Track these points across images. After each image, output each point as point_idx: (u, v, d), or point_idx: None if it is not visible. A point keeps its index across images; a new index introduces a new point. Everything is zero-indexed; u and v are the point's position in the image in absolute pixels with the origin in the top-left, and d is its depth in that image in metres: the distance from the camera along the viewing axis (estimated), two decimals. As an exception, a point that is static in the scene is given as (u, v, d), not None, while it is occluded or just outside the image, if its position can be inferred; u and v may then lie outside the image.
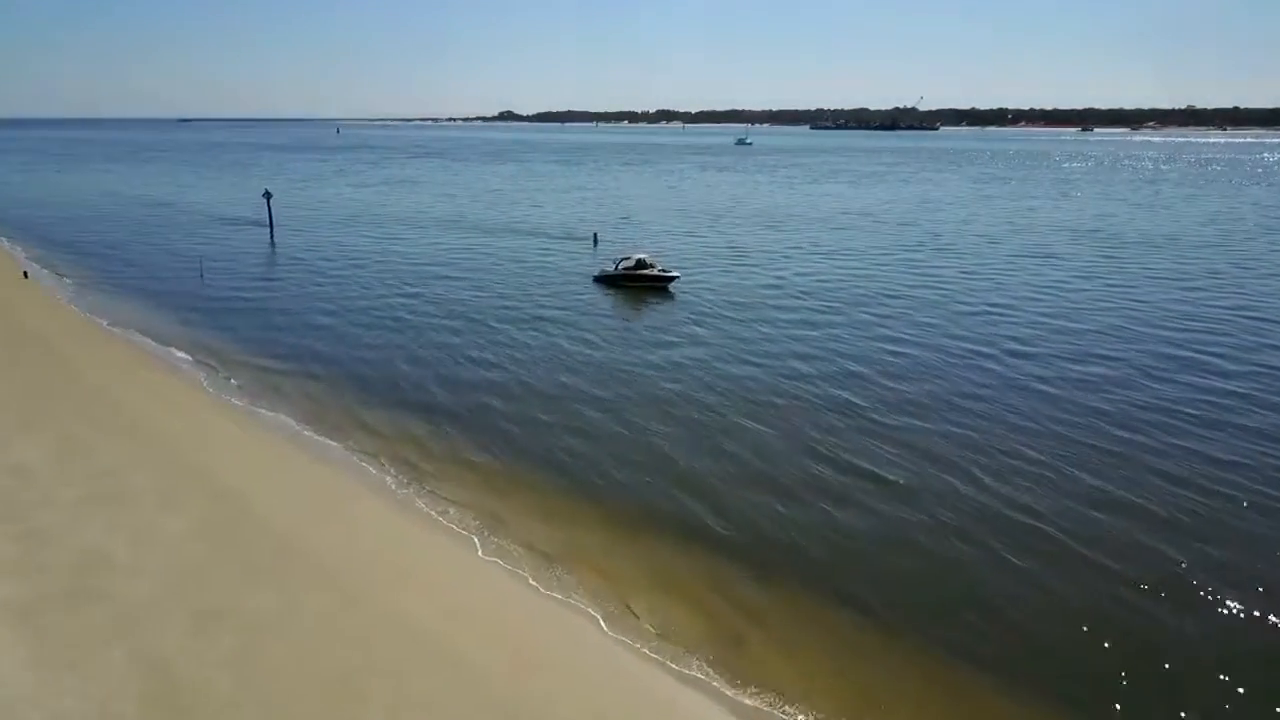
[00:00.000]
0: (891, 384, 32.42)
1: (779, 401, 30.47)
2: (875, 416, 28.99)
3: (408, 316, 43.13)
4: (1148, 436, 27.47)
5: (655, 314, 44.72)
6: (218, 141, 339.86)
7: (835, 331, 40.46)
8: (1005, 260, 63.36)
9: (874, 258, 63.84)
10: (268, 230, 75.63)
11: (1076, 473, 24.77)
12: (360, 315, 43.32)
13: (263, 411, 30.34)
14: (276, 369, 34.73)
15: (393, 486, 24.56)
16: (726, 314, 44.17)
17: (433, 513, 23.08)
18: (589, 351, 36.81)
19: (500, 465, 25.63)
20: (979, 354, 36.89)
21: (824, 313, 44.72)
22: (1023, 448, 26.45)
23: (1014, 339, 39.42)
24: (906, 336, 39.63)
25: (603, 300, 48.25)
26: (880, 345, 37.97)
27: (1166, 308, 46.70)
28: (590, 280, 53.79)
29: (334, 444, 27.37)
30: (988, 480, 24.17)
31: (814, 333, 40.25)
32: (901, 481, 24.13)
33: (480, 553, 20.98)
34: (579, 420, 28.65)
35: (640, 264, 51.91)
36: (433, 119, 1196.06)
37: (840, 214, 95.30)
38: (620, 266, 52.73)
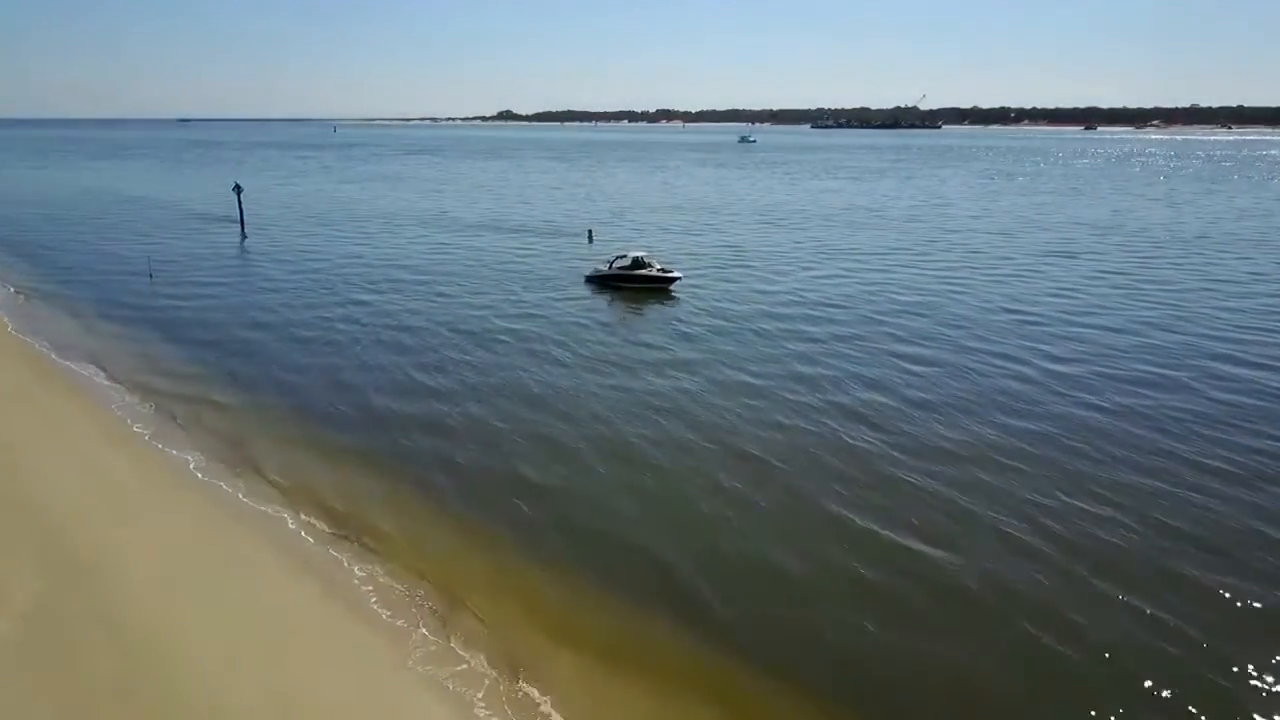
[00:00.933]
0: (918, 414, 27.07)
1: (784, 441, 25.08)
2: (903, 459, 23.66)
3: (355, 327, 37.42)
4: (1248, 489, 22.15)
5: (645, 323, 39.43)
6: (210, 139, 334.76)
7: (846, 345, 35.20)
8: (1025, 259, 58.12)
9: (883, 257, 58.60)
10: (238, 226, 70.98)
11: (1174, 546, 19.41)
12: (307, 327, 37.72)
13: (165, 448, 25.12)
14: (194, 394, 29.28)
15: (308, 553, 19.47)
16: (724, 323, 38.91)
17: (360, 584, 18.07)
18: (560, 372, 31.35)
19: (428, 530, 20.36)
20: (1013, 372, 31.60)
21: (833, 322, 39.46)
22: (1089, 505, 21.13)
23: (1050, 354, 34.06)
24: (927, 351, 34.37)
25: (591, 305, 42.95)
26: (899, 362, 32.65)
27: (1218, 316, 41.32)
28: (581, 281, 48.76)
29: (244, 496, 22.11)
30: (1060, 559, 18.69)
31: (822, 346, 35.00)
32: (947, 561, 18.72)
33: (413, 661, 15.79)
34: (535, 469, 23.14)
35: (637, 262, 46.82)
36: (431, 119, 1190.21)
37: (846, 210, 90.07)
38: (614, 266, 47.71)
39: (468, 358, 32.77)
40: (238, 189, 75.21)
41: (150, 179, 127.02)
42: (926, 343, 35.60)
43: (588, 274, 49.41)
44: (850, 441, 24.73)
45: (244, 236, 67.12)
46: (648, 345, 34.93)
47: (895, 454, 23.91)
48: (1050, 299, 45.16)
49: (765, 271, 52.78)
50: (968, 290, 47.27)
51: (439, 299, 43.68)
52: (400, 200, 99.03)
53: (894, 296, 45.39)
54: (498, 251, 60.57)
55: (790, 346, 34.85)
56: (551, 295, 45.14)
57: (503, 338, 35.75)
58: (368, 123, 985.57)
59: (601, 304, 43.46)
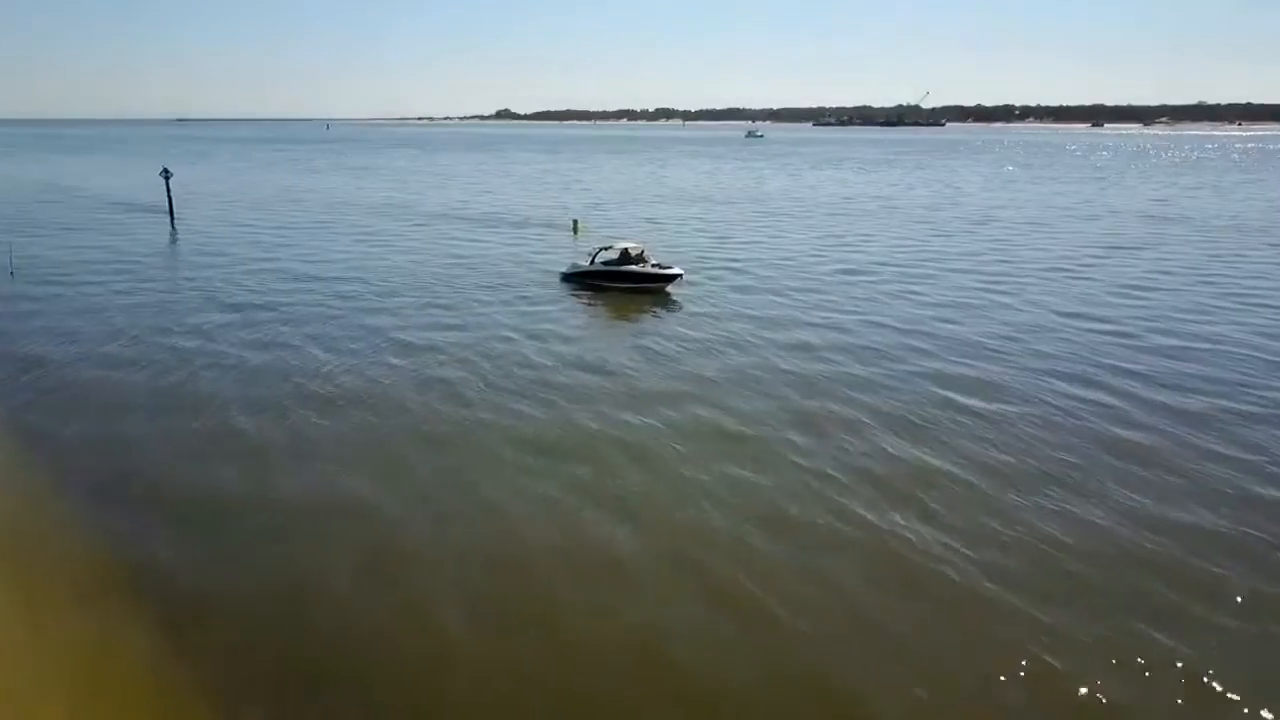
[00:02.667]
0: (998, 504, 16.77)
1: (793, 562, 14.93)
2: (986, 585, 13.54)
3: (184, 354, 26.40)
4: None
5: (609, 340, 29.11)
6: (191, 135, 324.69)
7: (872, 379, 24.93)
8: (1070, 253, 47.95)
9: (904, 251, 48.45)
10: (167, 216, 61.46)
11: None
12: (120, 362, 26.15)
13: None
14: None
15: None
16: (710, 341, 28.77)
17: None
18: (454, 438, 20.09)
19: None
20: (1116, 416, 21.45)
21: (850, 340, 29.35)
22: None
23: (1157, 395, 23.82)
24: (982, 383, 24.18)
25: (548, 314, 32.47)
26: (948, 402, 22.43)
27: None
28: (554, 280, 39.10)
29: None
30: None
31: (839, 379, 24.81)
32: None
33: None
34: (392, 602, 13.11)
35: (626, 256, 37.01)
36: (429, 118, 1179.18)
37: (853, 200, 79.74)
38: (598, 260, 37.95)
39: (314, 413, 21.16)
40: (166, 175, 65.44)
41: (95, 170, 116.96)
42: (978, 370, 25.38)
43: (564, 270, 39.73)
44: (901, 567, 14.48)
45: (173, 228, 57.85)
46: (599, 388, 24.10)
47: (985, 601, 13.71)
48: (1119, 302, 35.03)
49: (766, 271, 42.68)
50: (1012, 292, 37.14)
51: (339, 307, 33.22)
52: (358, 190, 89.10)
53: (922, 300, 35.31)
54: (454, 244, 50.67)
55: (796, 378, 24.59)
56: (503, 299, 34.81)
57: (398, 367, 25.00)
58: (366, 122, 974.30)
59: (566, 311, 33.08)
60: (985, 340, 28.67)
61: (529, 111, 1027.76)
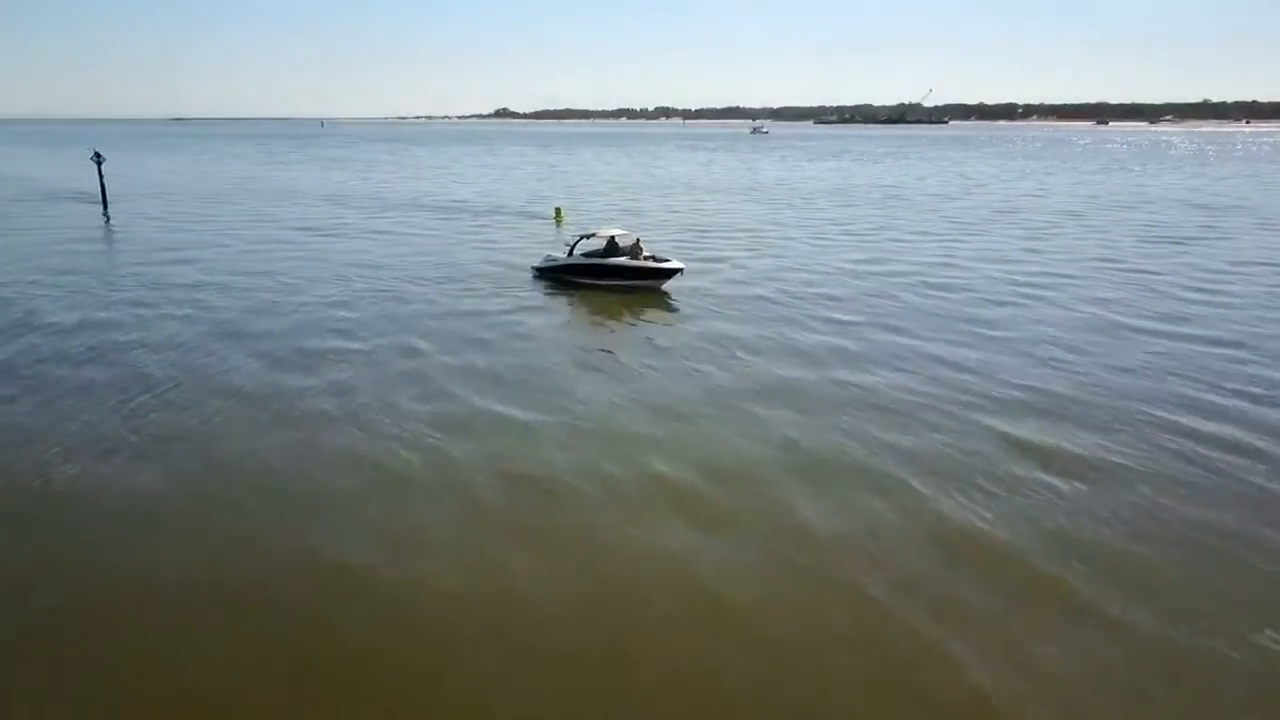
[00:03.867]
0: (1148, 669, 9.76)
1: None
2: None
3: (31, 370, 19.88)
4: None
5: (563, 377, 21.65)
6: (183, 133, 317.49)
7: (916, 432, 17.71)
8: (1114, 245, 40.83)
9: (923, 246, 41.09)
10: (100, 206, 55.42)
11: None
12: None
13: None
14: None
15: None
16: (700, 368, 21.61)
17: None
18: (249, 570, 13.42)
19: None
20: (1259, 483, 14.38)
21: (880, 380, 22.10)
22: None
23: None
24: (1063, 432, 16.98)
25: (490, 329, 24.74)
26: (1026, 474, 15.17)
27: None
28: (525, 276, 32.36)
29: None
30: None
31: (865, 418, 17.67)
32: None
33: None
34: None
35: (613, 246, 30.04)
36: (427, 117, 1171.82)
37: (864, 189, 72.31)
38: (579, 251, 31.01)
39: (37, 495, 14.15)
40: (98, 159, 58.64)
41: (52, 162, 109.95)
42: (1051, 418, 18.07)
43: (537, 263, 32.72)
44: None
45: (106, 219, 51.45)
46: (515, 458, 17.12)
47: None
48: (1209, 313, 27.38)
49: (765, 272, 35.38)
50: (1060, 296, 29.87)
51: (204, 320, 26.00)
52: (322, 181, 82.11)
53: (952, 311, 27.98)
54: (408, 236, 43.92)
55: (800, 447, 17.37)
56: (436, 309, 27.05)
57: (221, 416, 17.57)
58: (364, 122, 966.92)
59: (507, 329, 24.88)
60: (1049, 366, 21.33)
61: (528, 110, 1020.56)
